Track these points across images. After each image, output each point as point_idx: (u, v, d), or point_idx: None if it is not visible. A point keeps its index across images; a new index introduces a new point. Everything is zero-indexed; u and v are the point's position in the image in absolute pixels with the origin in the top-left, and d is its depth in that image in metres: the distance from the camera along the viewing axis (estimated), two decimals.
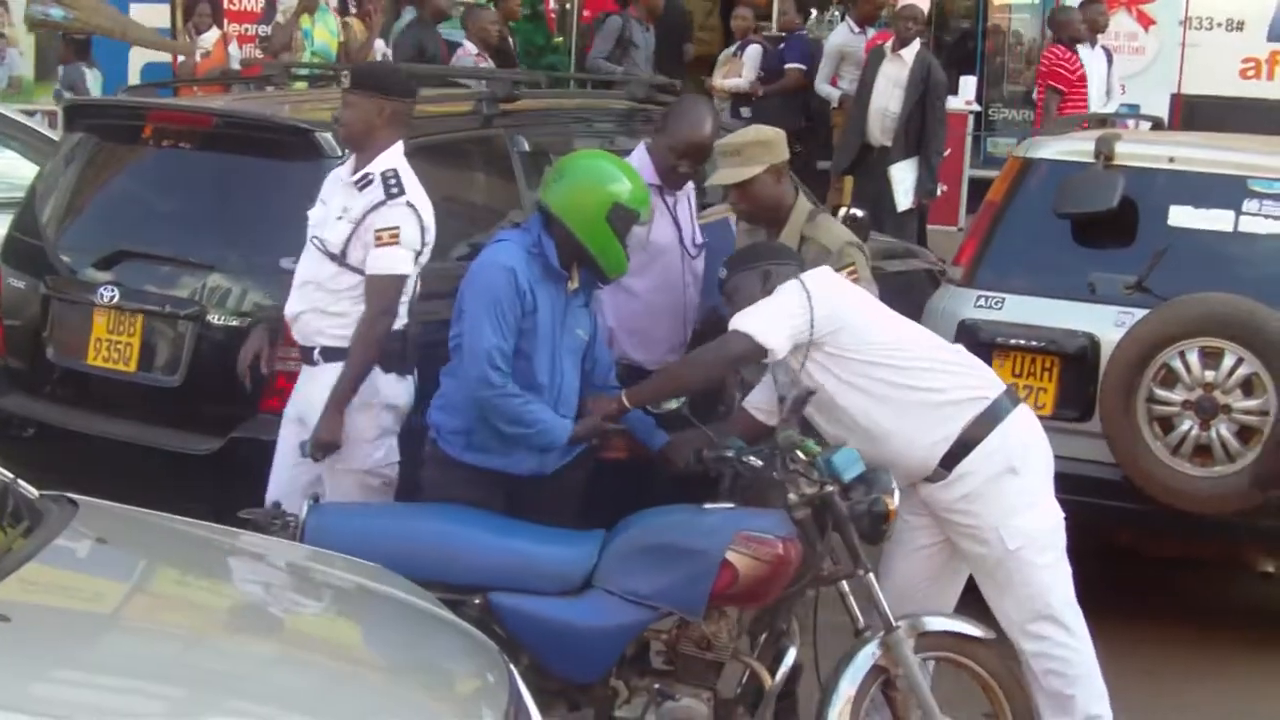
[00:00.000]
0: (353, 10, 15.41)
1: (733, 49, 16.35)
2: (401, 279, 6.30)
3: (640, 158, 6.99)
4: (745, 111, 14.90)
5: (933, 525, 6.05)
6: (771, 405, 6.17)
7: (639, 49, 14.43)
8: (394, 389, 6.38)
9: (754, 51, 15.90)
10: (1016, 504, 5.94)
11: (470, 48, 13.71)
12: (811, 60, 15.34)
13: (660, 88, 9.12)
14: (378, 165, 6.32)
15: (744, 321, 5.93)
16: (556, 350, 6.10)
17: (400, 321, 6.35)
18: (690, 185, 7.18)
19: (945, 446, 5.91)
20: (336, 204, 6.39)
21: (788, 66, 15.59)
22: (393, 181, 6.29)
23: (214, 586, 4.96)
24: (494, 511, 5.92)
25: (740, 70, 15.76)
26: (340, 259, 6.32)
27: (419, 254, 6.33)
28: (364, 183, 6.32)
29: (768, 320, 5.90)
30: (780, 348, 5.87)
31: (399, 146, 6.41)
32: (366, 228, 6.28)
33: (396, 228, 6.25)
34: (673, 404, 6.09)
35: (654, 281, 6.97)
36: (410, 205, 6.29)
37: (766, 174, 6.66)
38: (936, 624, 5.89)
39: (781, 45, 16.11)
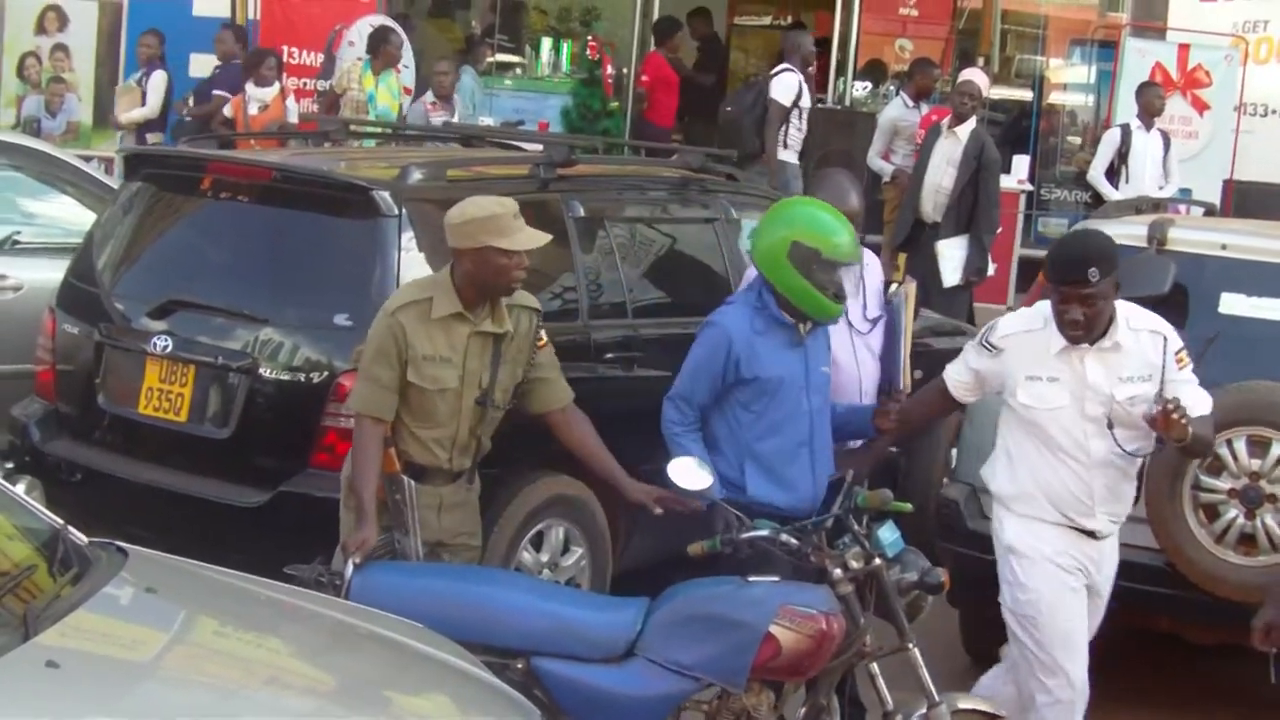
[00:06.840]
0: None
1: (135, 77, 15.85)
2: None
3: None
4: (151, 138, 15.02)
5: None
6: (972, 386, 6.49)
7: None
8: None
9: (159, 78, 15.49)
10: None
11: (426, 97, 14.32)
12: (236, 90, 14.85)
13: (716, 157, 9.14)
14: None
15: None
16: (806, 393, 6.33)
17: None
18: (874, 261, 7.13)
19: None
20: None
21: (215, 93, 15.08)
22: None
23: (257, 640, 4.95)
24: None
25: (140, 99, 15.42)
26: None
27: None
28: None
29: None
30: None
31: None
32: None
33: None
34: (702, 484, 5.99)
35: None
36: None
37: None
38: (967, 702, 5.94)
39: (217, 70, 15.48)
